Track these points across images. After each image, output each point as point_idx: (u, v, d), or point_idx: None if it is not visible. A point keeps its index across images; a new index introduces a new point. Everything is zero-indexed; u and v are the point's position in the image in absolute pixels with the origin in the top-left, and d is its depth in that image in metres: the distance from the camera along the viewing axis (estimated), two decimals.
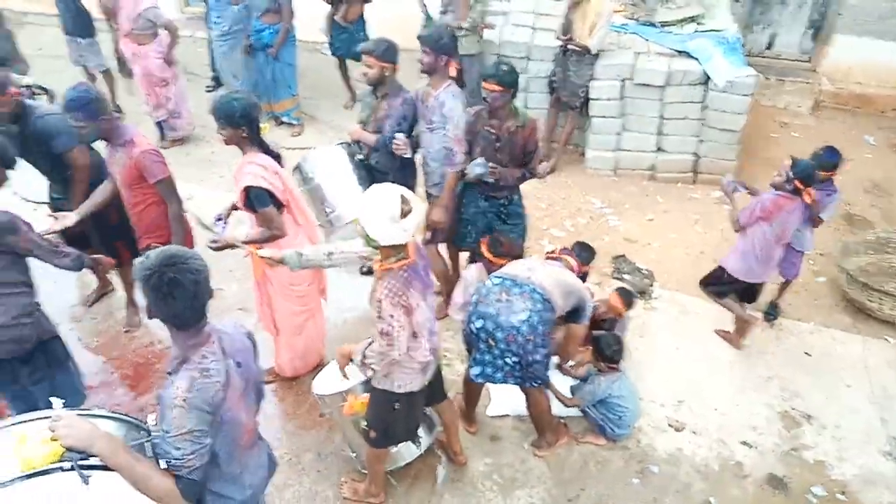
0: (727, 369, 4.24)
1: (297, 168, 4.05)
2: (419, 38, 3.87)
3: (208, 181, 5.86)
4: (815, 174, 3.79)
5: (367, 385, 2.99)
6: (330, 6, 6.48)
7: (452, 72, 3.90)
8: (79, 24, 6.27)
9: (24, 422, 2.00)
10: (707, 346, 4.40)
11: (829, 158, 4.04)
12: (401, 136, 3.95)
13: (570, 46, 5.60)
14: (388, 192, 2.60)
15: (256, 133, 3.31)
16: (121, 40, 6.00)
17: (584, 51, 5.56)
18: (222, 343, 2.18)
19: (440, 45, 3.77)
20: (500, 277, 3.16)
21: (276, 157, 3.44)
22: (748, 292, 4.17)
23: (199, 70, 7.48)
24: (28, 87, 4.72)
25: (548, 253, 3.59)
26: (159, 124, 6.28)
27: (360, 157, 4.17)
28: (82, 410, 2.09)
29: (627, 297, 4.00)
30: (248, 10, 6.22)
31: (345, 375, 3.03)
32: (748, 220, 3.91)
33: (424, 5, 6.25)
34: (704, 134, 5.88)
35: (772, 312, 4.60)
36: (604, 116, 5.93)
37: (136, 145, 3.50)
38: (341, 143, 4.21)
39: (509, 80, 3.62)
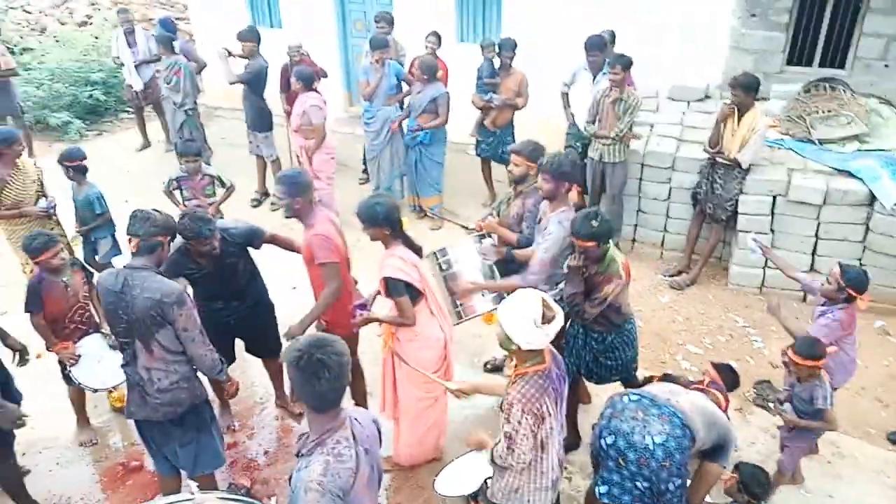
0: None
1: (433, 256, 4.18)
2: (540, 166, 3.93)
3: (353, 266, 6.19)
4: (866, 281, 3.63)
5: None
6: (480, 111, 6.86)
7: (574, 196, 3.96)
8: (259, 120, 7.08)
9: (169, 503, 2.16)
10: (867, 495, 3.88)
11: None
12: (487, 243, 4.12)
13: (718, 159, 5.51)
14: (531, 297, 2.63)
15: (398, 230, 3.58)
16: (292, 134, 6.70)
17: (734, 164, 5.44)
18: (354, 429, 2.25)
19: (560, 173, 3.81)
20: (637, 395, 3.01)
21: (417, 251, 3.68)
22: None
23: (353, 164, 8.11)
24: (212, 176, 5.36)
25: (695, 382, 3.39)
26: None
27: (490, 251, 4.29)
28: (221, 494, 2.21)
29: (802, 350, 3.39)
30: (400, 110, 6.76)
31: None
32: (834, 338, 3.65)
33: (572, 115, 6.45)
34: (868, 258, 5.43)
35: None
36: (752, 232, 5.66)
37: (312, 228, 3.78)
38: (476, 235, 4.33)
39: (601, 234, 3.46)
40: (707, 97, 6.92)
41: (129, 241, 3.17)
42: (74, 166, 4.92)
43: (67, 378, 3.97)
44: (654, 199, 6.14)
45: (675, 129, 6.32)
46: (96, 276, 3.34)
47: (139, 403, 3.29)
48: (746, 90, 5.21)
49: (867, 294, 3.66)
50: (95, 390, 3.95)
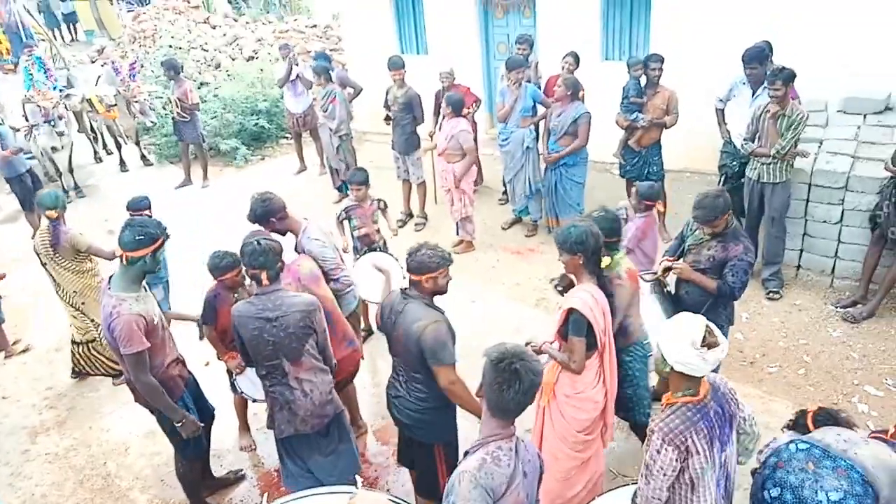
0: None
1: None
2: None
3: (490, 288, 6.24)
4: (654, 192, 4.71)
5: None
6: (624, 131, 6.64)
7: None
8: (408, 145, 7.32)
9: (330, 493, 2.31)
10: None
11: None
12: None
13: None
14: (695, 320, 2.48)
15: (593, 263, 3.29)
16: (436, 158, 6.87)
17: None
18: (518, 447, 2.29)
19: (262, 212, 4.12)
20: (807, 444, 2.71)
21: (608, 294, 3.39)
22: None
23: (493, 185, 8.18)
24: (379, 200, 5.52)
25: (873, 433, 3.00)
26: (457, 225, 6.92)
27: (669, 289, 4.14)
28: (378, 492, 2.32)
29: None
30: (535, 133, 6.81)
31: None
32: (634, 243, 4.62)
33: (727, 132, 6.07)
34: None
35: None
36: None
37: None
38: (645, 273, 4.18)
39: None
40: (888, 109, 6.20)
41: (259, 273, 3.29)
42: (138, 216, 5.09)
43: (233, 386, 4.30)
44: (823, 223, 5.59)
45: (848, 145, 5.73)
46: (232, 308, 3.46)
47: (288, 420, 3.47)
48: None
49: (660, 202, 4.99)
50: (255, 400, 4.24)
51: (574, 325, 3.21)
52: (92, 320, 5.22)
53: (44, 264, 5.14)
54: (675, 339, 2.44)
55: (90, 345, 5.33)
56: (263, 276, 3.31)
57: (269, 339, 3.30)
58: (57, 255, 5.04)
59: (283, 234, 4.21)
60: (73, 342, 5.38)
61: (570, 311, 3.22)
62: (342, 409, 3.65)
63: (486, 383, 2.21)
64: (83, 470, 4.62)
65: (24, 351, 6.01)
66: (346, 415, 3.74)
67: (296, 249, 4.22)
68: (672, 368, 2.46)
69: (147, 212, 5.17)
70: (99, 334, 5.23)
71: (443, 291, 3.30)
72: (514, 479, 2.21)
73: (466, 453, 2.30)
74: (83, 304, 5.18)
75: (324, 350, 3.50)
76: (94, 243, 5.15)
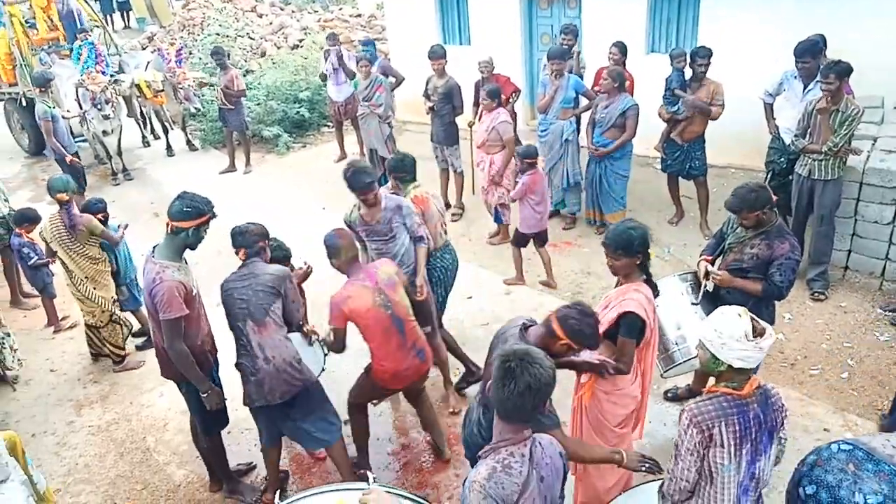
0: None
1: None
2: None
3: (527, 275, 6.22)
4: (532, 151, 5.63)
5: None
6: (666, 124, 6.51)
7: None
8: (447, 135, 7.34)
9: (343, 489, 2.32)
10: None
11: None
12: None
13: None
14: (737, 313, 2.42)
15: (647, 261, 3.24)
16: (475, 149, 6.86)
17: None
18: (533, 451, 2.23)
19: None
20: (850, 445, 2.64)
21: (654, 289, 3.32)
22: (540, 238, 5.98)
23: None
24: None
25: None
26: (496, 210, 6.89)
27: (707, 288, 3.98)
28: (390, 488, 2.33)
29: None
30: (575, 125, 6.73)
31: None
32: (520, 195, 5.70)
33: (776, 127, 5.90)
34: None
35: None
36: None
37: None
38: (684, 274, 4.08)
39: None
40: None
41: (238, 251, 3.72)
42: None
43: None
44: (874, 223, 5.40)
45: None
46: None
47: (256, 390, 3.65)
48: None
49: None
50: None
51: (628, 326, 3.13)
52: (100, 306, 5.32)
53: (54, 252, 5.23)
54: (729, 337, 2.38)
55: (99, 329, 5.44)
56: (241, 253, 3.71)
57: (238, 298, 3.59)
58: (72, 239, 5.10)
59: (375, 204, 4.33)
60: (87, 325, 5.48)
61: (626, 314, 3.13)
62: (313, 382, 3.79)
63: (492, 381, 2.17)
64: (124, 443, 4.77)
65: (71, 327, 6.23)
66: (320, 388, 3.88)
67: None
68: (730, 366, 2.41)
69: (101, 215, 5.32)
70: (103, 320, 5.38)
71: (557, 356, 2.74)
72: (528, 486, 2.16)
73: (479, 458, 2.25)
74: (94, 289, 5.26)
75: (290, 317, 3.75)
76: (105, 228, 5.27)
